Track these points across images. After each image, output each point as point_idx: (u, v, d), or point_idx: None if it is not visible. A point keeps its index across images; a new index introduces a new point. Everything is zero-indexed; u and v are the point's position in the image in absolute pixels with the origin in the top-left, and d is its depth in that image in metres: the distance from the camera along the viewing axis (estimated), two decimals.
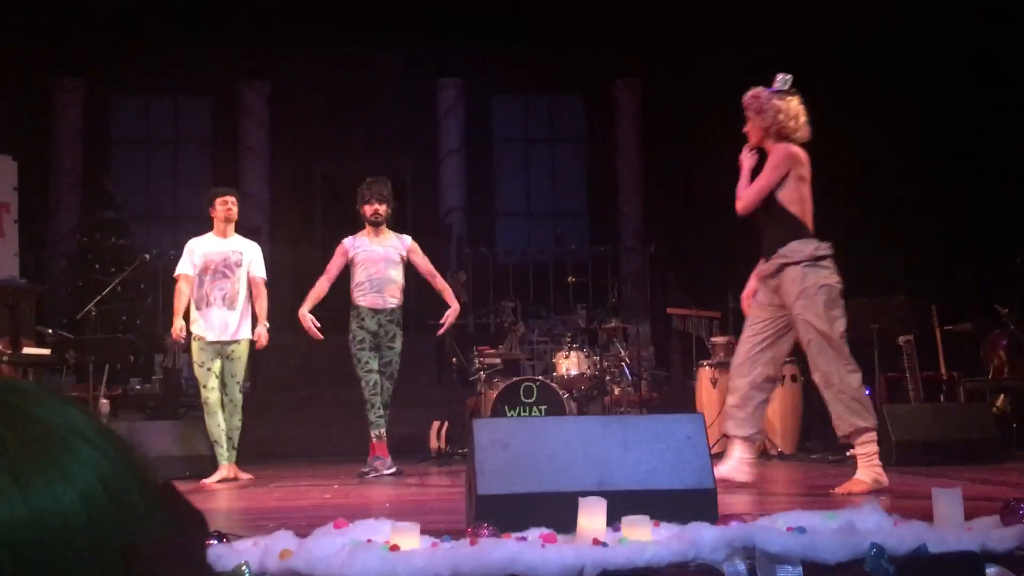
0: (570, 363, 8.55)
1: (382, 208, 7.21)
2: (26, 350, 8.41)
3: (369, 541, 2.58)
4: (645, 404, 8.82)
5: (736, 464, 5.00)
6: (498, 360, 8.86)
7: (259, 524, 3.72)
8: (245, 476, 6.74)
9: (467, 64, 13.46)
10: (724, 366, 8.57)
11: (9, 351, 8.47)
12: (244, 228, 7.21)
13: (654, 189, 13.28)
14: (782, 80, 4.94)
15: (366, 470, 6.77)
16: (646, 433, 3.17)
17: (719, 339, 8.79)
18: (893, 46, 8.86)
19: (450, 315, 7.22)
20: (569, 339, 8.85)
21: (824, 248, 4.82)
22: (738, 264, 10.07)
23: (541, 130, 14.26)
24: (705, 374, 8.71)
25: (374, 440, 6.95)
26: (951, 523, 2.66)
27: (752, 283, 5.10)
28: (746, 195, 4.87)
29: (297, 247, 12.78)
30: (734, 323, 8.50)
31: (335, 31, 12.45)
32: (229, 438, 6.77)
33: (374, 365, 7.02)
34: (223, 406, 6.75)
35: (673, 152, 12.39)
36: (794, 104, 4.92)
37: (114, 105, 13.48)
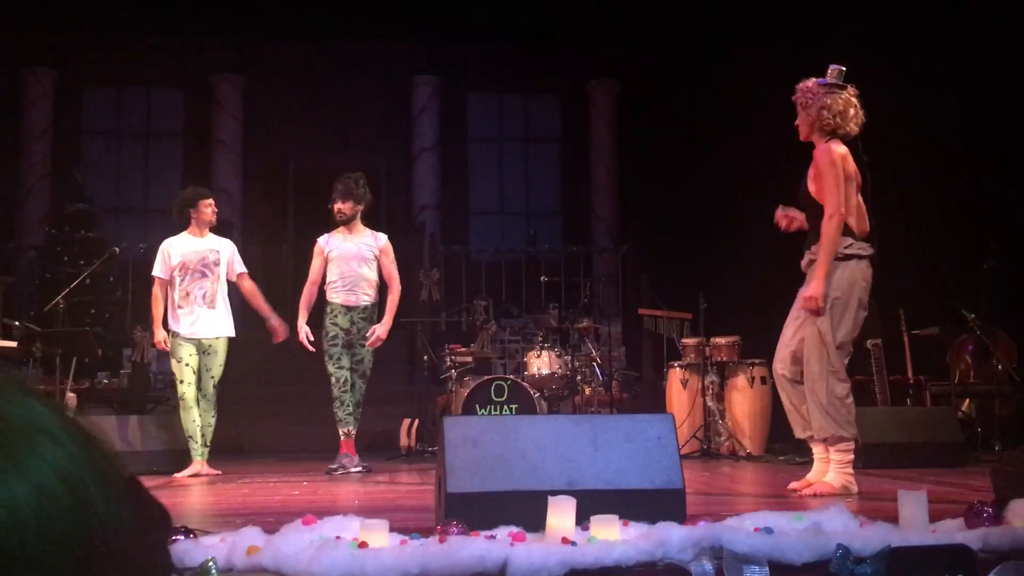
0: (541, 362, 8.56)
1: (345, 206, 7.14)
2: None
3: (338, 538, 2.57)
4: (615, 404, 8.84)
5: (818, 467, 4.84)
6: (469, 358, 8.85)
7: (227, 520, 3.70)
8: (212, 471, 6.71)
9: (443, 61, 13.44)
10: (694, 367, 8.61)
11: None
12: (216, 223, 7.17)
13: (628, 190, 13.32)
14: (836, 72, 4.80)
15: (334, 467, 6.74)
16: (616, 433, 3.18)
17: (689, 340, 8.84)
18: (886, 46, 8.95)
19: (378, 330, 7.04)
20: (541, 338, 8.86)
21: (856, 247, 4.70)
22: (710, 266, 10.15)
23: (516, 129, 14.27)
24: (675, 375, 8.75)
25: (342, 437, 6.92)
26: (916, 525, 2.68)
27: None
28: (830, 208, 4.61)
29: (269, 242, 12.72)
30: (705, 325, 8.55)
31: (311, 25, 12.39)
32: (202, 435, 6.74)
33: (345, 362, 6.99)
34: (197, 402, 6.74)
35: (647, 153, 12.43)
36: (843, 98, 4.72)
37: (85, 96, 13.36)
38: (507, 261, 12.78)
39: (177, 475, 6.56)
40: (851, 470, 4.71)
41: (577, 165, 13.85)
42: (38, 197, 12.68)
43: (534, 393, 8.12)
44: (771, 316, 9.52)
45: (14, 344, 8.27)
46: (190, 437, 6.73)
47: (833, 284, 4.66)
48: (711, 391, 8.46)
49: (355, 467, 6.79)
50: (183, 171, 13.14)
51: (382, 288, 7.15)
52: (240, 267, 7.01)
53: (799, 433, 4.95)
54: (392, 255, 7.24)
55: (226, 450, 7.97)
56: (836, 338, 4.65)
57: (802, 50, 9.91)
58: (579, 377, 8.76)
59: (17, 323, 8.59)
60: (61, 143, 12.96)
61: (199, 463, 6.70)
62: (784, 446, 8.57)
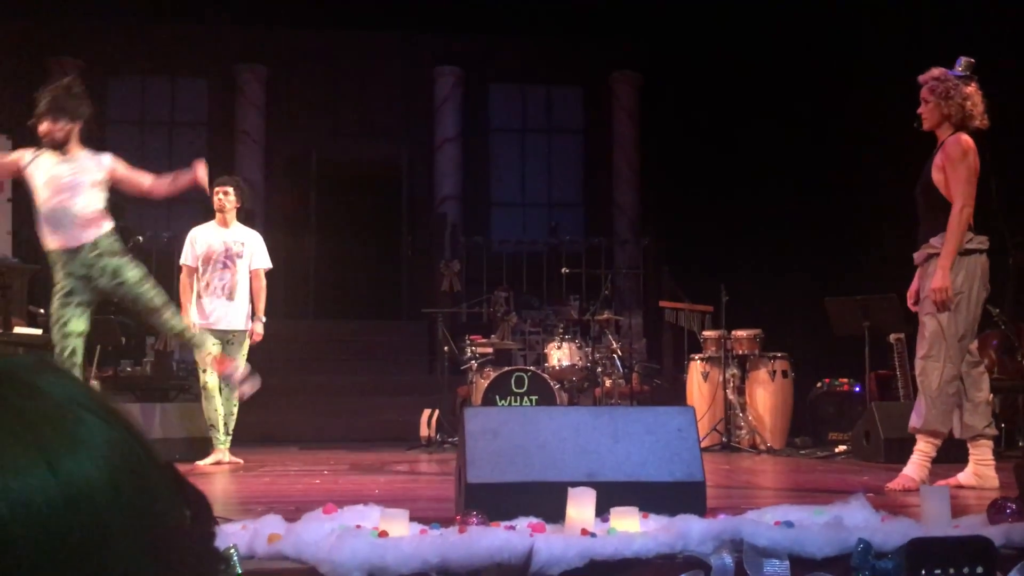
0: (562, 354, 8.56)
1: (56, 126, 5.86)
2: (17, 329, 8.38)
3: (358, 527, 2.59)
4: (636, 396, 8.83)
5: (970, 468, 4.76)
6: (490, 349, 8.86)
7: (248, 508, 3.72)
8: (234, 460, 6.75)
9: (466, 52, 13.43)
10: (715, 360, 8.59)
11: (0, 330, 8.44)
12: (226, 211, 7.17)
13: (650, 182, 13.28)
14: (965, 64, 4.71)
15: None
16: (636, 425, 3.18)
17: (711, 333, 8.81)
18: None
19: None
20: (561, 330, 8.86)
21: (976, 241, 4.67)
22: (731, 259, 10.11)
23: (538, 120, 14.25)
24: (696, 367, 8.73)
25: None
26: (938, 520, 2.67)
27: (916, 282, 4.90)
28: (960, 200, 4.56)
29: (291, 232, 12.76)
30: (726, 317, 8.52)
31: (334, 15, 12.41)
32: (224, 423, 6.77)
33: (77, 326, 5.74)
34: (220, 391, 6.76)
35: (669, 145, 12.39)
36: (974, 90, 4.71)
37: (110, 86, 13.42)
38: (528, 252, 12.77)
39: (199, 463, 6.60)
40: (926, 462, 4.70)
41: (599, 157, 13.82)
42: None
43: (554, 384, 8.12)
44: (792, 309, 9.51)
45: (39, 332, 8.33)
46: (212, 426, 6.77)
47: (958, 278, 4.63)
48: (732, 384, 8.43)
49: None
50: (206, 161, 13.17)
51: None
52: (261, 264, 6.96)
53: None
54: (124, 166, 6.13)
55: (252, 439, 8.02)
56: (957, 330, 4.64)
57: (825, 40, 9.86)
58: (599, 369, 8.75)
59: (42, 311, 8.66)
60: (86, 132, 13.01)
61: (221, 451, 6.74)
62: (805, 440, 8.55)
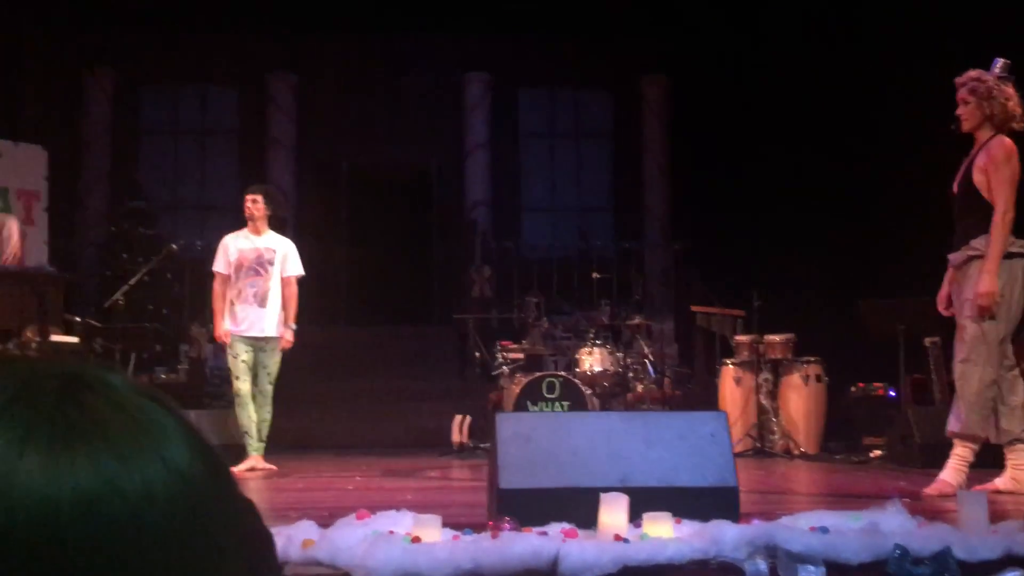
0: (593, 359, 8.54)
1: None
2: (54, 338, 8.47)
3: (391, 533, 2.59)
4: (668, 401, 8.80)
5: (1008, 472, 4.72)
6: (521, 355, 8.86)
7: (282, 514, 3.74)
8: (268, 467, 6.78)
9: (494, 57, 13.46)
10: (748, 365, 8.54)
11: (37, 339, 8.55)
12: (256, 218, 7.20)
13: (680, 185, 13.24)
14: (1003, 66, 4.67)
15: None
16: (669, 430, 3.17)
17: (743, 338, 8.76)
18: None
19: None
20: (592, 335, 8.84)
21: (1017, 245, 4.64)
22: (764, 263, 10.05)
23: (567, 125, 14.24)
24: (729, 372, 8.68)
25: None
26: (976, 526, 2.64)
27: (945, 287, 4.87)
28: (1003, 204, 4.51)
29: (323, 239, 12.83)
30: (758, 322, 8.47)
31: (363, 22, 12.47)
32: (258, 430, 6.80)
33: None
34: (253, 398, 6.79)
35: (699, 148, 12.35)
36: (1014, 91, 4.68)
37: (143, 96, 13.57)
38: (558, 257, 12.76)
39: (233, 469, 6.63)
40: (963, 466, 4.65)
41: (629, 161, 13.80)
42: (98, 195, 12.91)
43: (586, 390, 8.10)
44: (825, 313, 9.43)
45: (76, 340, 8.43)
46: (245, 432, 6.80)
47: (1000, 281, 4.57)
48: (765, 389, 8.38)
49: None
50: (238, 169, 13.30)
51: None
52: (293, 271, 6.98)
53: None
54: None
55: (285, 446, 8.06)
56: (998, 334, 4.61)
57: (858, 40, 9.79)
58: (631, 374, 8.73)
59: (78, 319, 8.76)
60: (120, 141, 13.19)
61: (255, 458, 6.77)
62: (839, 445, 8.47)
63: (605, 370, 8.51)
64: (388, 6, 12.03)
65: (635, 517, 2.63)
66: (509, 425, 3.18)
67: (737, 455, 4.33)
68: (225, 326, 6.81)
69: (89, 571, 0.50)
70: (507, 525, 2.61)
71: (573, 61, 13.34)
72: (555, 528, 2.62)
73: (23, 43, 12.49)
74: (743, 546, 2.40)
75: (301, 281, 7.11)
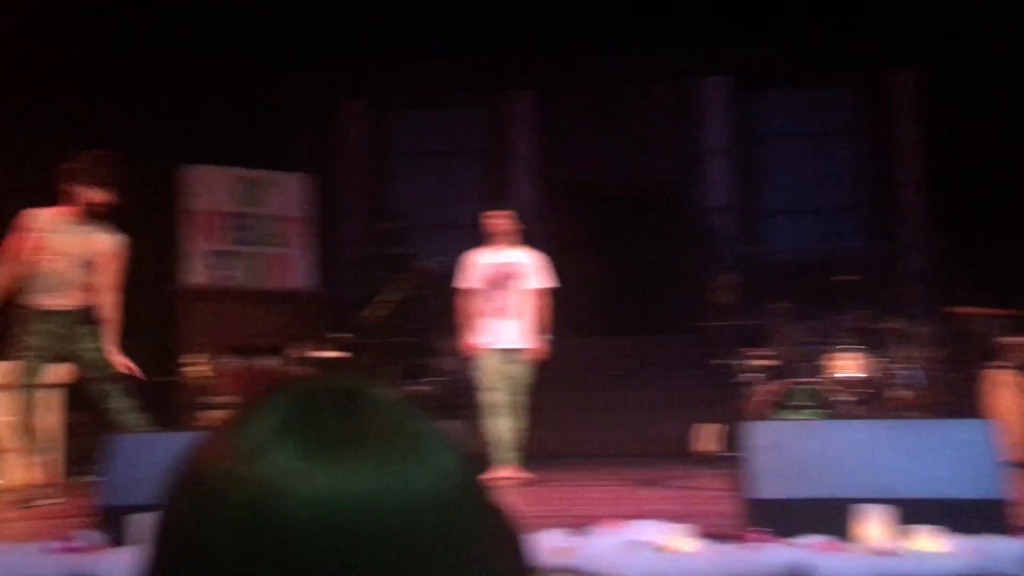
0: (846, 365, 8.23)
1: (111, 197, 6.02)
2: (320, 353, 9.08)
3: (643, 541, 2.62)
4: (927, 408, 8.34)
5: None
6: (768, 362, 8.66)
7: (536, 522, 3.84)
8: (521, 476, 6.94)
9: (731, 61, 13.23)
10: (1019, 369, 7.96)
11: (305, 354, 9.18)
12: (507, 235, 7.40)
13: (935, 182, 12.52)
14: None
15: (30, 498, 5.90)
16: (931, 439, 3.03)
17: (1013, 340, 8.17)
18: None
19: None
20: (844, 340, 8.52)
21: None
22: None
23: (810, 124, 13.78)
24: (996, 377, 8.12)
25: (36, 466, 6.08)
26: None
27: None
28: None
29: (565, 253, 13.02)
30: None
31: (599, 35, 12.60)
32: (511, 440, 6.98)
33: (36, 379, 5.91)
34: (506, 408, 6.98)
35: (956, 142, 11.64)
36: None
37: (393, 122, 14.28)
38: (805, 261, 12.36)
39: (486, 478, 6.84)
40: None
41: (877, 158, 13.19)
42: (355, 217, 13.68)
43: (838, 397, 7.82)
44: None
45: (339, 354, 8.99)
46: (497, 443, 7.00)
47: None
48: None
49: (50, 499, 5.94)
50: (483, 187, 13.75)
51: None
52: (541, 282, 7.15)
53: None
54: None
55: (537, 455, 8.24)
56: None
57: None
58: (887, 380, 8.34)
59: (340, 335, 9.33)
60: (373, 166, 13.94)
61: (507, 468, 6.95)
62: None
63: (859, 376, 8.18)
64: (623, 18, 12.09)
65: (896, 529, 2.53)
66: (758, 434, 3.13)
67: (1010, 465, 4.05)
68: (474, 339, 7.05)
69: (367, 571, 0.55)
70: (759, 536, 2.57)
71: (813, 58, 12.91)
72: (810, 540, 2.56)
73: (284, 80, 13.48)
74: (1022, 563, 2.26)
75: (549, 294, 7.27)
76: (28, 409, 5.80)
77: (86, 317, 5.88)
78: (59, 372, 6.28)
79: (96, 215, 5.88)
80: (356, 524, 0.55)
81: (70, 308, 5.84)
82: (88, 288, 5.90)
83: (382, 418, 0.60)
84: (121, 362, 5.95)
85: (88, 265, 5.88)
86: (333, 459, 0.57)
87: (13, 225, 5.90)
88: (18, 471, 6.83)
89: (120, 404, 5.86)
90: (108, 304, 5.93)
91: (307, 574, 0.54)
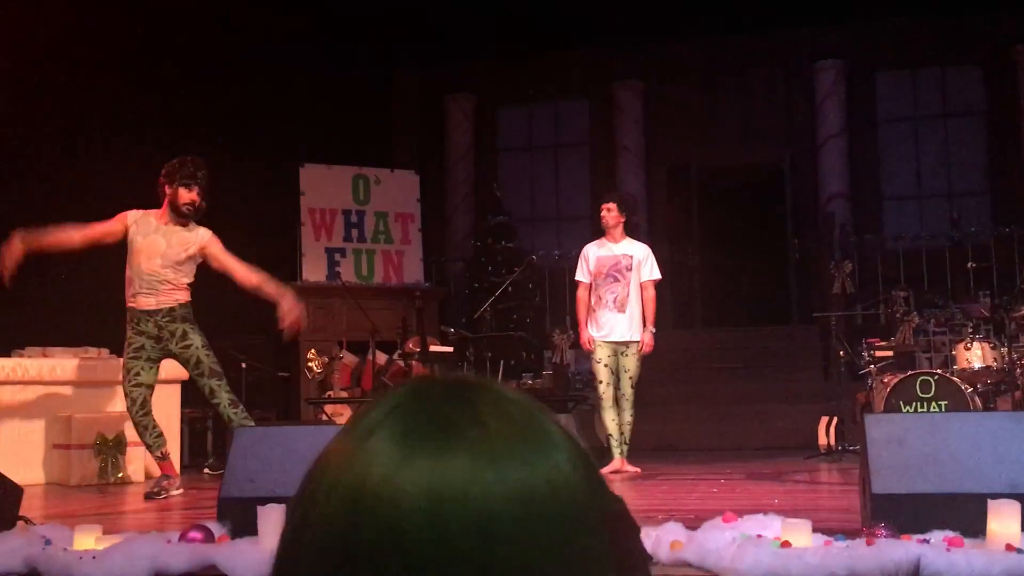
0: (973, 355, 7.91)
1: (199, 199, 6.10)
2: (432, 348, 9.18)
3: (759, 536, 2.55)
4: None
5: None
6: (890, 353, 8.39)
7: (649, 516, 3.80)
8: (633, 469, 6.90)
9: (846, 43, 12.87)
10: None
11: (418, 349, 9.29)
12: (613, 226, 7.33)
13: None
14: None
15: (156, 490, 5.98)
16: None
17: None
18: None
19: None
20: (971, 329, 8.19)
21: None
22: None
23: (932, 105, 13.29)
24: None
25: (158, 460, 6.15)
26: None
27: None
28: None
29: (676, 242, 12.88)
30: None
31: (705, 23, 12.41)
32: (621, 432, 6.96)
33: (146, 378, 6.02)
34: (616, 401, 6.96)
35: None
36: None
37: (500, 116, 14.34)
38: (927, 248, 11.96)
39: (600, 471, 6.82)
40: None
41: (1006, 139, 12.64)
42: (463, 213, 13.80)
43: (966, 388, 7.53)
44: None
45: (450, 349, 9.07)
46: (610, 435, 6.98)
47: None
48: None
49: (176, 489, 6.06)
50: (590, 179, 13.69)
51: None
52: (649, 275, 7.08)
53: None
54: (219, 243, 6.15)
55: (648, 448, 8.17)
56: None
57: None
58: (1018, 370, 7.99)
59: (452, 330, 9.41)
60: (481, 162, 14.03)
61: (619, 460, 6.92)
62: None
63: (987, 366, 7.86)
64: (729, 5, 11.88)
65: None
66: (881, 427, 3.02)
67: None
68: (589, 332, 7.03)
69: (476, 565, 0.53)
70: (883, 531, 2.48)
71: (934, 37, 12.46)
72: (937, 536, 2.45)
73: (392, 80, 13.67)
74: None
75: (658, 285, 7.20)
76: (141, 406, 5.98)
77: (182, 316, 6.02)
78: (176, 369, 6.46)
79: (184, 215, 6.01)
80: (463, 523, 0.54)
81: (161, 308, 5.99)
82: (182, 288, 6.05)
83: (495, 410, 0.59)
84: (291, 311, 5.89)
85: (180, 266, 6.03)
86: (439, 448, 0.56)
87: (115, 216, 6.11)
88: (141, 464, 7.09)
89: (222, 399, 5.94)
90: (243, 274, 6.00)
91: (407, 563, 0.53)
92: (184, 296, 6.07)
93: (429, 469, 0.55)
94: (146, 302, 5.98)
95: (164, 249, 5.98)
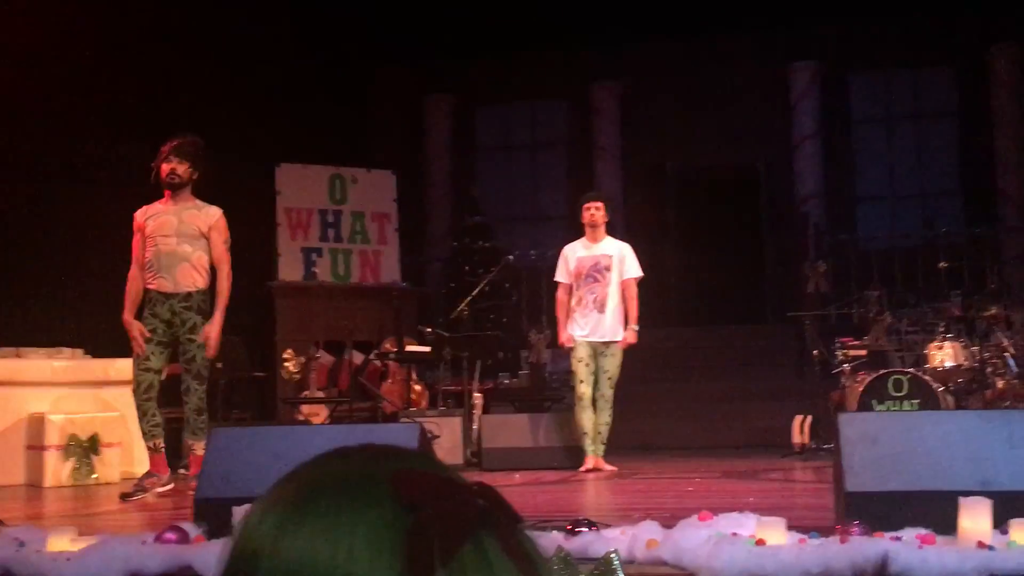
0: (945, 354, 8.00)
1: (181, 167, 5.99)
2: (408, 348, 9.17)
3: (734, 534, 2.57)
4: None
5: None
6: (863, 352, 8.46)
7: (625, 514, 3.82)
8: (609, 468, 6.92)
9: (820, 45, 12.96)
10: None
11: (395, 349, 9.28)
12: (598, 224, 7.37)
13: None
14: None
15: (131, 491, 5.83)
16: None
17: None
18: None
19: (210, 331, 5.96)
20: (943, 329, 8.28)
21: None
22: None
23: (905, 106, 13.41)
24: None
25: (150, 452, 5.98)
26: None
27: None
28: None
29: (651, 241, 12.93)
30: None
31: (682, 25, 12.46)
32: (598, 432, 6.98)
33: (155, 363, 5.93)
34: (594, 401, 6.98)
35: None
36: None
37: (478, 116, 14.34)
38: (901, 248, 12.06)
39: (578, 471, 6.85)
40: None
41: (977, 140, 12.77)
42: (441, 213, 13.79)
43: (937, 387, 7.61)
44: None
45: (427, 349, 9.06)
46: (585, 434, 7.00)
47: None
48: None
49: (163, 486, 5.89)
50: (567, 179, 13.72)
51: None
52: (631, 273, 7.12)
53: None
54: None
55: (625, 447, 8.20)
56: None
57: None
58: (989, 370, 8.08)
59: (429, 330, 9.40)
60: (458, 161, 14.02)
61: (593, 459, 6.94)
62: None
63: (959, 365, 7.94)
64: (707, 4, 11.94)
65: (999, 523, 2.44)
66: (854, 425, 3.05)
67: None
68: (569, 332, 7.06)
69: None
70: (856, 529, 2.51)
71: (908, 38, 12.57)
72: (909, 533, 2.48)
73: (369, 79, 13.64)
74: None
75: (638, 283, 7.24)
76: (145, 390, 5.85)
77: (198, 307, 5.95)
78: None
79: (173, 185, 5.94)
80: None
81: (179, 292, 5.92)
82: (201, 269, 5.98)
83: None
84: (208, 338, 5.86)
85: (195, 240, 5.98)
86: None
87: (133, 228, 6.09)
88: (117, 466, 7.04)
89: (192, 402, 5.86)
90: (218, 277, 5.98)
91: None
92: (202, 280, 6.00)
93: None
94: (165, 284, 5.91)
95: (177, 225, 5.96)
